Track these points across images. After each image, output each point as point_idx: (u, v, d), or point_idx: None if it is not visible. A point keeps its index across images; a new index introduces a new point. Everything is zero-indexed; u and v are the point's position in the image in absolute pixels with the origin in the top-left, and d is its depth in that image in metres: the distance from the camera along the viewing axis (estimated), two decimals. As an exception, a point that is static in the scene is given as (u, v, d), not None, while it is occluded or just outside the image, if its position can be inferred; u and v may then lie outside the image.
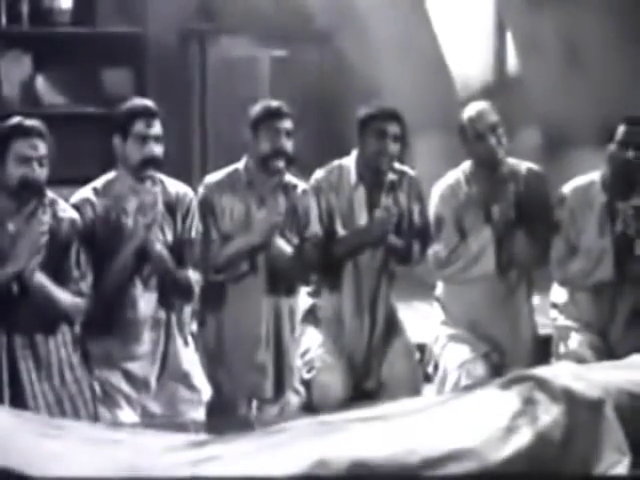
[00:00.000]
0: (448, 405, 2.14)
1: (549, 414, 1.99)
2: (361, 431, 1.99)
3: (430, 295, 4.36)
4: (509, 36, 6.81)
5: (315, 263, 4.00)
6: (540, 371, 2.21)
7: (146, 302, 3.66)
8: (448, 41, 6.83)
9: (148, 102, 3.70)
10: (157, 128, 3.63)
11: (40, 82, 6.26)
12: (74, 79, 6.37)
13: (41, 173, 3.35)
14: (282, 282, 3.95)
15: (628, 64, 5.62)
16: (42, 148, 3.34)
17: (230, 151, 5.36)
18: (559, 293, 4.21)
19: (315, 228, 3.98)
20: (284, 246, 3.90)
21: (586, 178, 4.13)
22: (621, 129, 3.97)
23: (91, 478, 1.76)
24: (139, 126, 3.59)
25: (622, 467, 1.88)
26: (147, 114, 3.62)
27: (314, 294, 4.13)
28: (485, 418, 2.01)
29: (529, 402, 2.04)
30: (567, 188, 4.14)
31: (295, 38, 6.72)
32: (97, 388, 3.57)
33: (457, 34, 6.83)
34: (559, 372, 2.19)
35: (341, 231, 4.02)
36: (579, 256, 4.06)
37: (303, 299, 4.13)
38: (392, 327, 4.10)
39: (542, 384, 2.09)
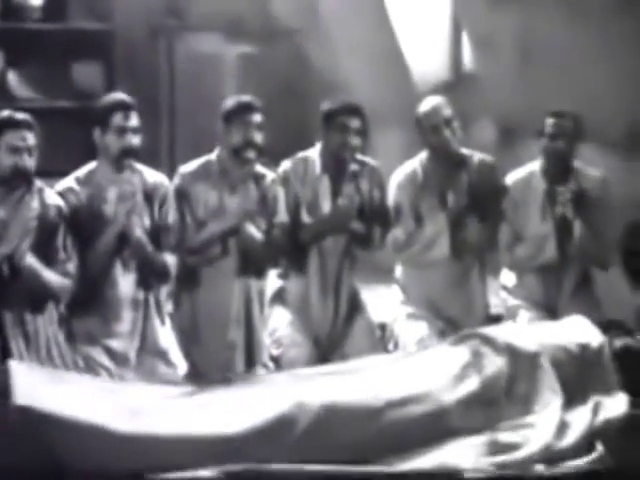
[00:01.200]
0: (408, 358, 2.48)
1: (493, 365, 2.34)
2: (332, 380, 2.33)
3: (388, 279, 4.70)
4: (465, 34, 6.93)
5: (283, 248, 4.28)
6: (486, 330, 2.57)
7: (126, 283, 3.95)
8: (406, 39, 6.96)
9: (125, 96, 3.99)
10: (134, 120, 3.91)
11: (12, 77, 6.41)
12: (45, 74, 6.51)
13: (30, 162, 3.64)
14: (252, 265, 4.21)
15: (578, 60, 5.74)
16: (31, 139, 3.64)
17: (197, 143, 5.69)
18: (508, 276, 4.57)
19: (282, 215, 4.26)
20: (254, 231, 4.17)
21: (526, 169, 4.49)
22: (549, 122, 4.35)
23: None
24: (118, 119, 3.88)
25: (556, 405, 2.23)
26: (125, 107, 3.90)
27: (282, 276, 4.42)
28: (439, 368, 2.36)
29: (476, 355, 2.39)
30: (509, 179, 4.49)
31: (260, 35, 6.90)
32: (80, 362, 3.83)
33: (415, 32, 6.96)
34: (502, 331, 2.55)
35: (307, 218, 4.31)
36: (524, 241, 4.41)
37: (272, 281, 4.41)
38: (355, 307, 4.39)
39: (487, 340, 2.45)
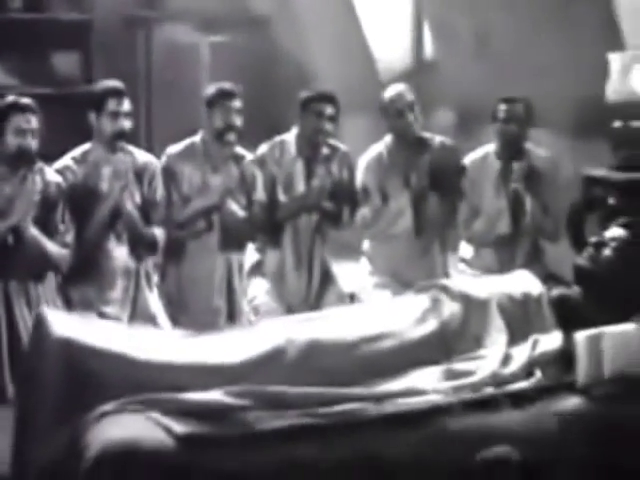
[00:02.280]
0: (379, 306, 2.94)
1: (450, 309, 2.80)
2: (314, 322, 2.78)
3: (356, 255, 5.09)
4: (426, 25, 7.19)
5: (260, 224, 4.67)
6: (444, 281, 3.04)
7: (119, 254, 4.34)
8: (371, 29, 7.24)
9: (118, 83, 4.39)
10: (126, 105, 4.30)
11: (-7, 64, 6.77)
12: (25, 62, 6.83)
13: (33, 143, 4.02)
14: (233, 239, 4.62)
15: (530, 49, 5.78)
16: (34, 122, 4.01)
17: (172, 126, 6.05)
18: (466, 249, 5.01)
19: (260, 194, 4.64)
20: (235, 208, 4.58)
21: (482, 150, 4.87)
22: (502, 107, 4.72)
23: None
24: (112, 104, 4.26)
25: (502, 342, 2.71)
26: (118, 94, 4.29)
27: (259, 250, 4.81)
28: (405, 311, 2.82)
29: (436, 301, 2.85)
30: (467, 160, 4.86)
31: (233, 25, 7.26)
32: None
33: (379, 23, 7.23)
34: (458, 282, 3.02)
35: (282, 197, 4.67)
36: (481, 216, 4.78)
37: (250, 254, 4.81)
38: (326, 278, 4.78)
39: (445, 289, 2.91)
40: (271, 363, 2.54)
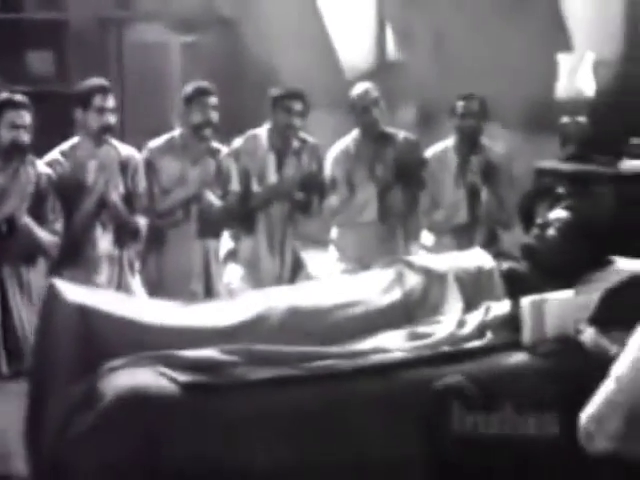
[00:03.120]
0: (349, 279, 3.36)
1: (412, 281, 3.21)
2: (292, 292, 3.19)
3: (322, 246, 5.47)
4: (388, 27, 7.55)
5: (235, 213, 5.02)
6: (408, 257, 3.47)
7: (104, 241, 4.68)
8: (336, 30, 7.61)
9: (104, 81, 4.74)
10: (111, 102, 4.64)
11: (-31, 63, 7.03)
12: (2, 60, 7.05)
13: (26, 137, 4.35)
14: (210, 227, 4.97)
15: (487, 51, 6.11)
16: (28, 118, 4.34)
17: (144, 123, 6.37)
18: (427, 237, 5.40)
19: (235, 185, 5.00)
20: (212, 198, 4.94)
21: (442, 144, 5.25)
22: (459, 104, 5.11)
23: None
24: (98, 100, 4.60)
25: (458, 309, 3.13)
26: (104, 90, 4.63)
27: (234, 238, 5.17)
28: (372, 282, 3.22)
29: (399, 274, 3.25)
30: (428, 153, 5.24)
31: (202, 25, 7.56)
32: None
33: (343, 24, 7.61)
34: (420, 258, 3.44)
35: (256, 188, 5.04)
36: (441, 206, 5.18)
37: (225, 241, 5.17)
38: (297, 264, 5.15)
39: (408, 264, 3.32)
40: (256, 326, 2.94)
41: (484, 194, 5.11)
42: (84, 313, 2.79)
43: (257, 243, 5.10)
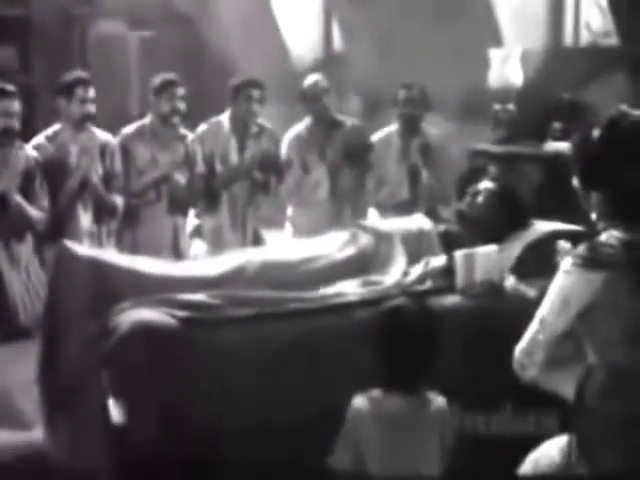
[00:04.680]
0: (312, 240, 4.04)
1: (364, 240, 3.88)
2: (267, 250, 3.86)
3: (276, 227, 6.09)
4: (335, 21, 8.15)
5: (201, 193, 5.63)
6: (362, 222, 4.17)
7: (85, 219, 5.30)
8: (286, 25, 8.21)
9: (85, 74, 5.36)
10: (92, 93, 5.26)
11: None
12: None
13: (16, 124, 4.94)
14: (179, 206, 5.62)
15: (426, 44, 6.60)
16: (17, 106, 4.92)
17: (106, 114, 6.90)
18: (373, 213, 6.01)
19: (200, 167, 5.61)
20: (180, 179, 5.60)
21: (386, 130, 5.88)
22: (401, 93, 5.72)
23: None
24: (80, 91, 5.22)
25: (402, 263, 3.82)
26: (85, 83, 5.24)
27: (199, 216, 5.79)
28: (330, 242, 3.89)
29: (353, 235, 3.92)
30: (374, 138, 5.87)
31: (160, 21, 8.09)
32: None
33: (292, 19, 8.20)
34: (370, 221, 4.13)
35: (219, 169, 5.63)
36: (385, 186, 5.82)
37: (190, 220, 5.82)
38: (257, 239, 5.77)
39: (361, 227, 4.01)
40: (236, 277, 3.59)
41: (424, 174, 5.76)
42: (95, 265, 3.42)
43: (221, 220, 5.69)
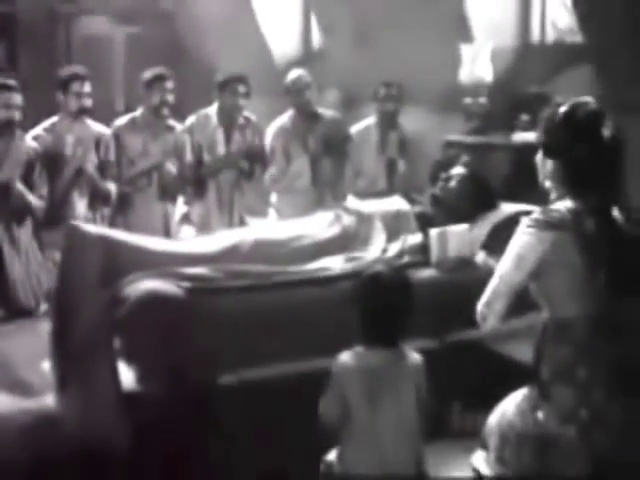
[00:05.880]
0: (300, 220, 4.46)
1: (347, 221, 4.29)
2: (259, 229, 4.28)
3: (260, 215, 6.44)
4: (313, 18, 8.48)
5: (190, 181, 6.01)
6: (345, 204, 4.59)
7: (81, 205, 5.68)
8: (266, 22, 8.53)
9: (82, 69, 5.73)
10: (88, 87, 5.64)
11: None
12: None
13: (18, 116, 5.31)
14: (169, 193, 6.00)
15: (403, 40, 6.86)
16: (18, 99, 5.30)
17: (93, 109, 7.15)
18: (352, 201, 6.45)
19: (189, 157, 5.98)
20: (170, 168, 5.98)
21: (365, 122, 6.29)
22: (380, 90, 6.13)
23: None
24: (76, 86, 5.61)
25: (382, 240, 4.25)
26: (81, 77, 5.61)
27: (187, 203, 6.15)
28: (317, 222, 4.31)
29: (337, 216, 4.34)
30: (353, 130, 6.28)
31: (144, 18, 8.41)
32: (50, 264, 5.53)
33: (273, 17, 8.52)
34: (353, 204, 4.56)
35: (207, 158, 5.99)
36: (362, 176, 6.25)
37: (180, 206, 6.18)
38: (242, 225, 6.06)
39: (345, 209, 4.45)
40: (232, 253, 4.00)
41: (400, 165, 6.18)
42: (104, 241, 3.79)
43: (208, 206, 6.07)
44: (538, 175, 3.14)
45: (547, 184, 3.09)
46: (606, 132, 3.00)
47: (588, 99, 3.08)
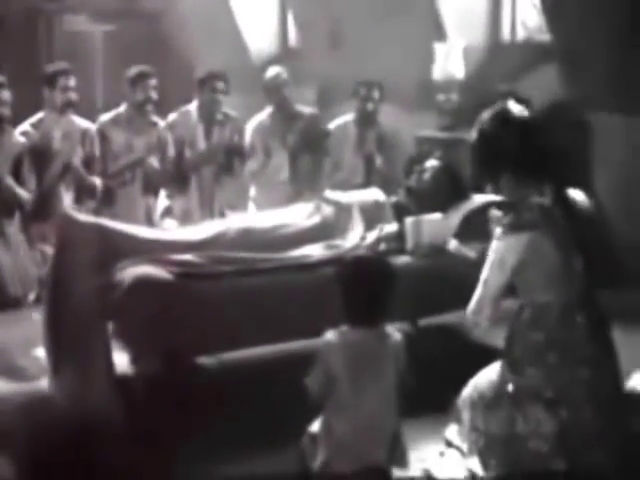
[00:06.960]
0: (282, 210, 4.73)
1: (327, 211, 4.53)
2: (243, 218, 4.57)
3: (239, 210, 6.64)
4: (290, 16, 8.65)
5: (172, 175, 6.27)
6: (324, 195, 4.85)
7: (67, 198, 5.94)
8: (244, 20, 8.71)
9: (67, 65, 5.97)
10: (73, 82, 5.87)
11: None
12: None
13: (7, 112, 5.54)
14: (151, 187, 6.26)
15: (379, 38, 7.13)
16: (8, 95, 5.53)
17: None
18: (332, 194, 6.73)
19: (171, 152, 6.26)
20: (153, 163, 6.23)
21: (343, 119, 6.52)
22: (360, 88, 6.32)
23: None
24: (62, 81, 5.84)
25: (360, 229, 4.52)
26: (67, 73, 5.85)
27: (169, 197, 6.41)
28: (298, 212, 4.56)
29: (318, 207, 4.58)
30: (331, 126, 6.52)
31: (123, 16, 8.61)
32: (38, 256, 5.78)
33: (251, 14, 8.72)
34: (333, 195, 4.82)
35: (188, 154, 6.27)
36: (340, 171, 6.45)
37: (162, 201, 6.44)
38: (223, 217, 6.35)
39: (324, 199, 4.71)
40: (217, 241, 4.26)
41: (377, 160, 6.41)
42: (96, 229, 4.03)
43: (190, 200, 6.33)
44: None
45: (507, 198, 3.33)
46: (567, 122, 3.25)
47: (509, 107, 3.31)
